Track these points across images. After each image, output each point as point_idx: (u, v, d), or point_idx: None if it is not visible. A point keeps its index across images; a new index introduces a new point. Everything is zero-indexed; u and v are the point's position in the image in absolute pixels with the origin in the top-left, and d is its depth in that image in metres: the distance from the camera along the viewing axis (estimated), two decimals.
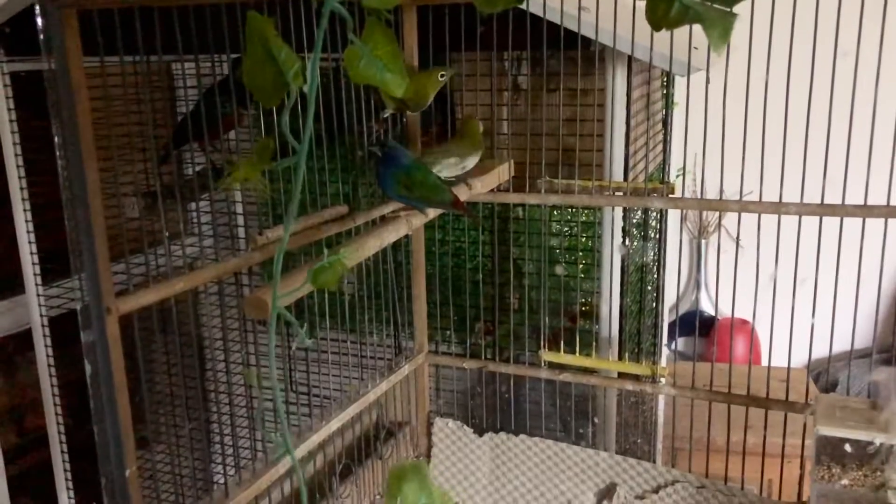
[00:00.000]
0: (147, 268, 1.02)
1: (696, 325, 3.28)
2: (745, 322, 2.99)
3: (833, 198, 1.32)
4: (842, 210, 1.31)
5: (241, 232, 2.21)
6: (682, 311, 3.46)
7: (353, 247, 1.08)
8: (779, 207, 1.35)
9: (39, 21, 0.87)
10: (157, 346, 1.79)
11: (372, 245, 1.14)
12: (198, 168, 1.90)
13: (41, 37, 0.87)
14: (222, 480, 1.58)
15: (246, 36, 0.68)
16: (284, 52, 0.69)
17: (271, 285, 0.98)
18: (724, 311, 3.34)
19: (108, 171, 1.10)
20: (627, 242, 1.71)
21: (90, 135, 0.83)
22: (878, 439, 1.20)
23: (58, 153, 0.87)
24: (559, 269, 1.78)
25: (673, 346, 3.41)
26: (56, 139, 0.88)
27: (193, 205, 2.08)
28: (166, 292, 0.99)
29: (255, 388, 1.30)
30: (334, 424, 1.38)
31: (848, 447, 1.23)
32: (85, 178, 0.83)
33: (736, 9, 0.58)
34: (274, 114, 1.25)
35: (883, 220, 1.30)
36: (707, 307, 3.46)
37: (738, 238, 1.44)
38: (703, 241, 3.41)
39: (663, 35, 1.45)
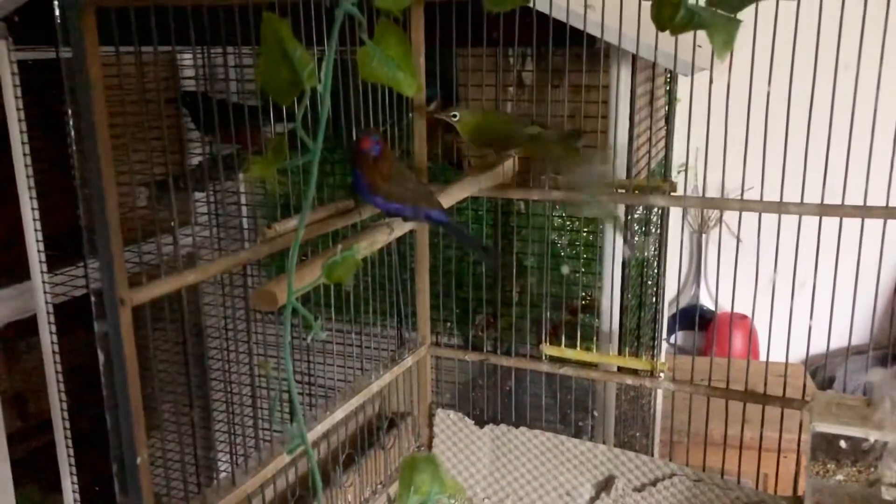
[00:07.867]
0: (159, 257, 1.04)
1: (696, 320, 3.31)
2: (743, 317, 3.02)
3: (832, 198, 1.34)
4: (841, 210, 1.33)
5: (245, 223, 2.22)
6: (681, 305, 3.48)
7: (366, 241, 1.10)
8: (779, 207, 1.36)
9: (57, 12, 0.88)
10: (163, 336, 1.81)
11: (381, 240, 1.16)
12: (206, 157, 1.92)
13: (57, 29, 0.89)
14: (225, 469, 1.60)
15: (261, 36, 0.69)
16: (299, 51, 0.71)
17: (279, 278, 1.00)
18: (724, 305, 3.37)
19: (119, 160, 1.12)
20: (632, 241, 1.73)
21: (106, 130, 0.85)
22: (873, 436, 1.23)
23: (72, 137, 0.89)
24: (565, 269, 1.80)
25: (672, 340, 3.44)
26: (70, 123, 0.89)
27: (197, 195, 2.10)
28: (178, 283, 1.01)
29: (269, 379, 1.32)
30: (338, 415, 1.40)
31: (843, 443, 1.25)
32: (101, 171, 0.84)
33: (740, 13, 0.60)
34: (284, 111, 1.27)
35: (882, 220, 1.32)
36: (706, 302, 3.48)
37: (738, 235, 1.46)
38: (703, 236, 3.43)
39: (668, 34, 1.46)
